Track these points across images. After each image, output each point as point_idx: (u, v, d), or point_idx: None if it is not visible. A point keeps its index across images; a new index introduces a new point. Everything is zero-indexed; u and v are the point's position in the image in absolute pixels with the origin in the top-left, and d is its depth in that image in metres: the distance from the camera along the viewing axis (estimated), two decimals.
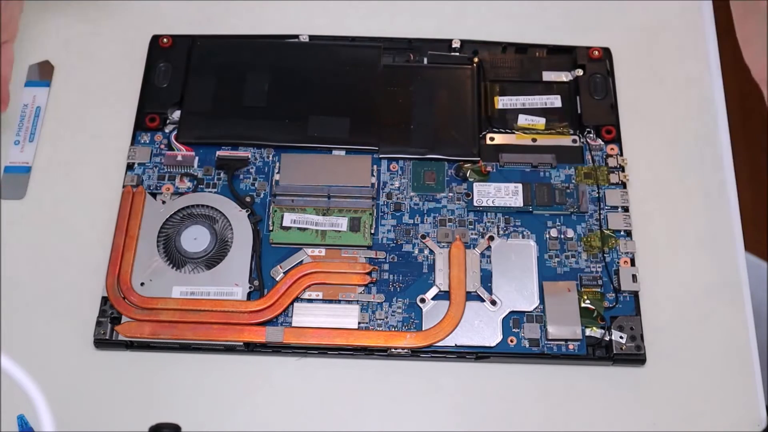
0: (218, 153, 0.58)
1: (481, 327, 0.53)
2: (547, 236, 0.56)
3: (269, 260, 0.55)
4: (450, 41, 0.62)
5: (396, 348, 0.52)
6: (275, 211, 0.56)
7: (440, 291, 0.54)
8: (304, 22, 0.64)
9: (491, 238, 0.56)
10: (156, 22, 0.64)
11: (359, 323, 0.53)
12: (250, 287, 0.54)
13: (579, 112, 0.60)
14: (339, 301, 0.54)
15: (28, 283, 0.56)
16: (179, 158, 0.58)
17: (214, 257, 0.55)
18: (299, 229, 0.56)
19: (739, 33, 0.54)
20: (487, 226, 0.56)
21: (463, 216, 0.57)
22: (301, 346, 0.53)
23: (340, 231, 0.55)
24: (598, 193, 0.57)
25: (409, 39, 0.63)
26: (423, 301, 0.54)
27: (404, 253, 0.56)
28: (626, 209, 0.57)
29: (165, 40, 0.62)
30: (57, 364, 0.53)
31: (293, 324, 0.53)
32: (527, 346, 0.53)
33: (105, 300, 0.54)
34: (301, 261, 0.55)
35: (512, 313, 0.54)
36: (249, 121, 0.59)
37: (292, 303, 0.54)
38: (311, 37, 0.63)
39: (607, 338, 0.53)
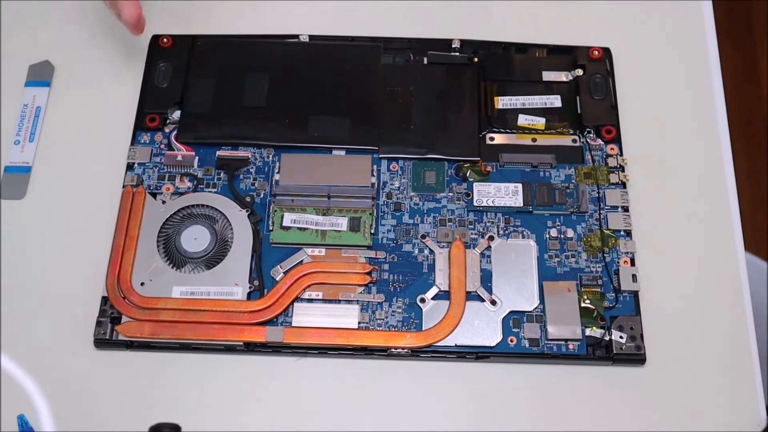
0: (218, 153, 0.58)
1: (481, 327, 0.53)
2: (547, 236, 0.56)
3: (269, 260, 0.55)
4: (450, 41, 0.62)
5: (396, 348, 0.52)
6: (275, 211, 0.56)
7: (440, 291, 0.54)
8: (304, 22, 0.64)
9: (491, 238, 0.56)
10: (156, 22, 0.64)
11: (359, 323, 0.53)
12: (250, 287, 0.54)
13: (579, 112, 0.60)
14: (339, 301, 0.54)
15: (28, 283, 0.56)
16: (179, 158, 0.58)
17: (214, 257, 0.55)
18: (299, 229, 0.56)
19: None
20: (487, 226, 0.56)
21: (463, 216, 0.57)
22: (301, 346, 0.53)
23: (340, 231, 0.55)
24: (598, 193, 0.57)
25: (409, 39, 0.63)
26: (423, 301, 0.54)
27: (404, 253, 0.56)
28: (626, 209, 0.57)
29: (165, 40, 0.62)
30: (57, 364, 0.53)
31: (293, 324, 0.53)
32: (527, 346, 0.53)
33: (105, 300, 0.54)
34: (301, 261, 0.55)
35: (512, 313, 0.54)
36: (249, 121, 0.59)
37: (292, 303, 0.54)
38: (311, 37, 0.63)
39: (607, 338, 0.53)
